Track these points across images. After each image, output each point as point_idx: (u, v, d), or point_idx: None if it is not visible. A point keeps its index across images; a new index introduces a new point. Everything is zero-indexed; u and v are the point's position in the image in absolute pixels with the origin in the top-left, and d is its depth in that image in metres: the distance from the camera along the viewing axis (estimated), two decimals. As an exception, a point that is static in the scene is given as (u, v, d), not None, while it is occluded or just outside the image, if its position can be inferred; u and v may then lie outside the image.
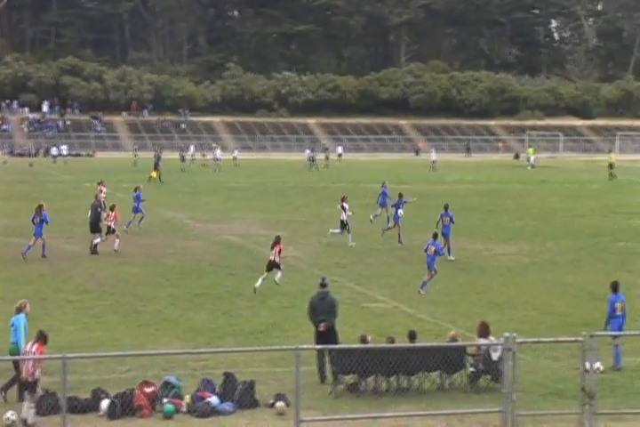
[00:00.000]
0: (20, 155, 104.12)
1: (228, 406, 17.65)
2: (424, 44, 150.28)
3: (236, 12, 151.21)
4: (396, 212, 39.18)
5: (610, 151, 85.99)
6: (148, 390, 17.63)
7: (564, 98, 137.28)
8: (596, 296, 26.90)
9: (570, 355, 20.20)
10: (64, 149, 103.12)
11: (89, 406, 17.42)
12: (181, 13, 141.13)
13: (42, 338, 16.95)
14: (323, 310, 19.90)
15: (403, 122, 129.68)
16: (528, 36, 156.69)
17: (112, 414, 17.18)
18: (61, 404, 14.60)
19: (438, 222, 34.81)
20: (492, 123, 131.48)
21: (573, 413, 15.20)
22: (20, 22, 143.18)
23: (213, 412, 17.48)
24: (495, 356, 18.54)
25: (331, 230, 38.83)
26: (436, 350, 18.63)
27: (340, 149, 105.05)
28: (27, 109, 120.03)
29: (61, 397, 14.62)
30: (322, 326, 19.78)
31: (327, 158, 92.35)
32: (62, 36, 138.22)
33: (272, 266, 28.42)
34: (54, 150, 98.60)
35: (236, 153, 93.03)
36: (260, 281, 28.17)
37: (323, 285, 20.30)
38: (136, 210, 42.57)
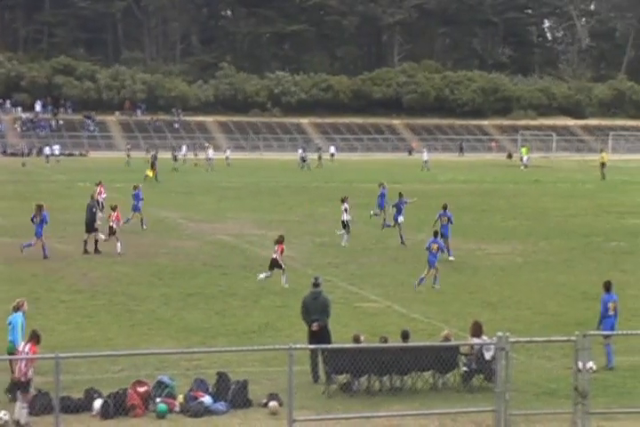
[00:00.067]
0: (13, 154, 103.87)
1: (221, 405, 17.65)
2: (417, 44, 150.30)
3: (229, 12, 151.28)
4: (396, 212, 39.11)
5: (602, 151, 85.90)
6: (141, 389, 17.63)
7: (557, 98, 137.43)
8: (589, 296, 26.94)
9: (563, 354, 20.25)
10: (57, 148, 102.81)
11: (82, 406, 17.40)
12: (174, 13, 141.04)
13: (35, 338, 16.91)
14: (316, 310, 19.90)
15: (396, 122, 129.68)
16: (521, 36, 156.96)
17: (105, 413, 17.18)
18: (54, 404, 14.61)
19: (436, 222, 34.75)
20: (484, 122, 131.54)
21: (566, 412, 15.25)
22: (13, 22, 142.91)
23: (206, 411, 17.48)
24: (488, 355, 18.56)
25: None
26: (429, 350, 18.64)
27: (332, 149, 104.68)
28: (19, 109, 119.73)
29: (54, 397, 14.63)
30: (315, 326, 19.78)
31: (320, 158, 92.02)
32: (55, 36, 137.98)
33: (274, 265, 28.52)
34: (47, 150, 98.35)
35: (228, 153, 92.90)
36: (263, 275, 28.41)
37: (316, 284, 20.31)
38: (135, 208, 42.58)
